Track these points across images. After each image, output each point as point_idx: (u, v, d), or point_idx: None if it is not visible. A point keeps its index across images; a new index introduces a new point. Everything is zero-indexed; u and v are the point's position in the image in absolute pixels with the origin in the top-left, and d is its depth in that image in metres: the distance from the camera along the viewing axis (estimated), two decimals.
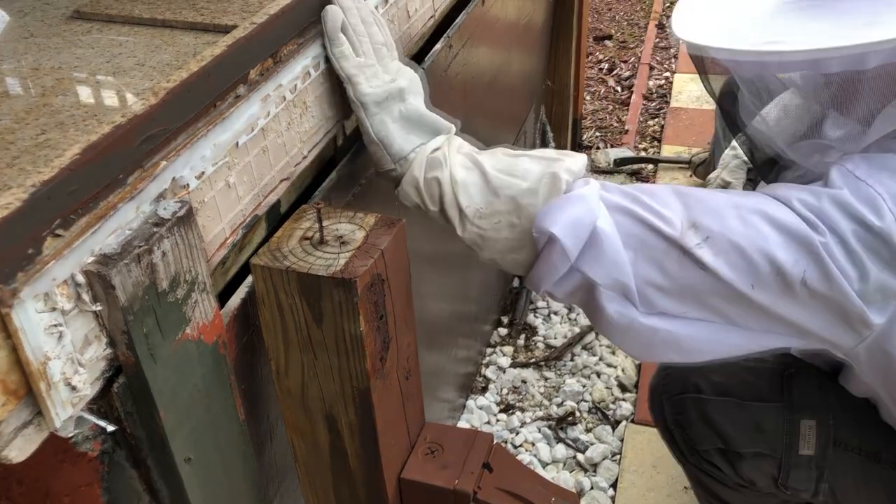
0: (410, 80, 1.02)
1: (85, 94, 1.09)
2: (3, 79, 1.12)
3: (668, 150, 3.24)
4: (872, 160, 0.94)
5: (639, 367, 2.26)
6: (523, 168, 0.95)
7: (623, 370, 2.25)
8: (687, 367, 1.33)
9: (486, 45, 1.70)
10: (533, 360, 2.30)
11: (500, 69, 1.88)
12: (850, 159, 0.95)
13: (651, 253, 0.91)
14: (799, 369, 1.30)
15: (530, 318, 2.44)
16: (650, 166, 3.15)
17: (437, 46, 1.40)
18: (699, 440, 1.31)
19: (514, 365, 2.28)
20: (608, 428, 2.08)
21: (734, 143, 2.60)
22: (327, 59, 1.01)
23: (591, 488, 1.93)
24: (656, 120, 3.51)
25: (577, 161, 0.95)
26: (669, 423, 1.35)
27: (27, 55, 1.20)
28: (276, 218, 1.00)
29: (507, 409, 2.16)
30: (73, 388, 0.65)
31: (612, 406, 2.15)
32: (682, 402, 1.32)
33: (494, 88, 1.82)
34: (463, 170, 0.96)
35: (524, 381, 2.23)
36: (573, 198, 0.90)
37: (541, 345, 2.36)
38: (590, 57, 3.99)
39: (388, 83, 0.99)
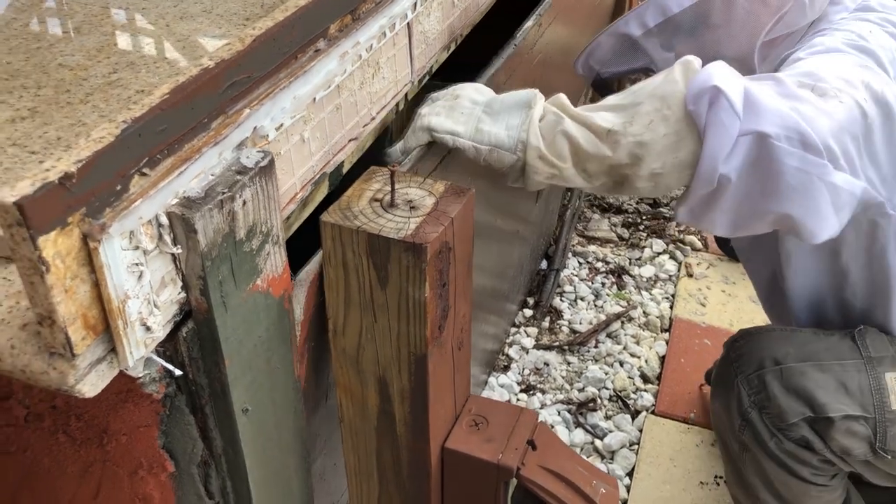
0: (467, 87, 1.05)
1: (154, 37, 1.08)
2: (73, 15, 1.11)
3: None
4: None
5: (662, 359, 2.25)
6: (640, 84, 0.97)
7: (646, 361, 2.24)
8: (755, 345, 1.31)
9: (566, 24, 1.68)
10: (556, 343, 2.29)
11: (571, 48, 1.85)
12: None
13: (798, 98, 0.92)
14: (866, 327, 1.27)
15: (556, 301, 2.43)
16: None
17: (529, 23, 1.38)
18: (786, 414, 1.24)
19: (537, 346, 2.28)
20: (628, 417, 2.08)
21: None
22: (401, 21, 1.00)
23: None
24: None
25: (689, 55, 0.96)
26: (747, 405, 1.29)
27: None
28: (339, 177, 0.99)
29: (528, 389, 2.16)
30: (148, 329, 0.65)
31: (633, 395, 2.14)
32: (760, 379, 1.27)
33: (563, 67, 1.80)
34: (583, 110, 0.97)
35: (546, 364, 2.23)
36: (714, 65, 0.91)
37: (565, 329, 2.35)
38: None
39: (453, 103, 1.02)
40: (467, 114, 1.01)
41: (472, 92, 1.04)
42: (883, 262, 1.22)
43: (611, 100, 0.99)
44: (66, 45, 1.01)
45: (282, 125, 0.79)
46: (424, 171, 1.03)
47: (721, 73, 0.90)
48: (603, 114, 0.96)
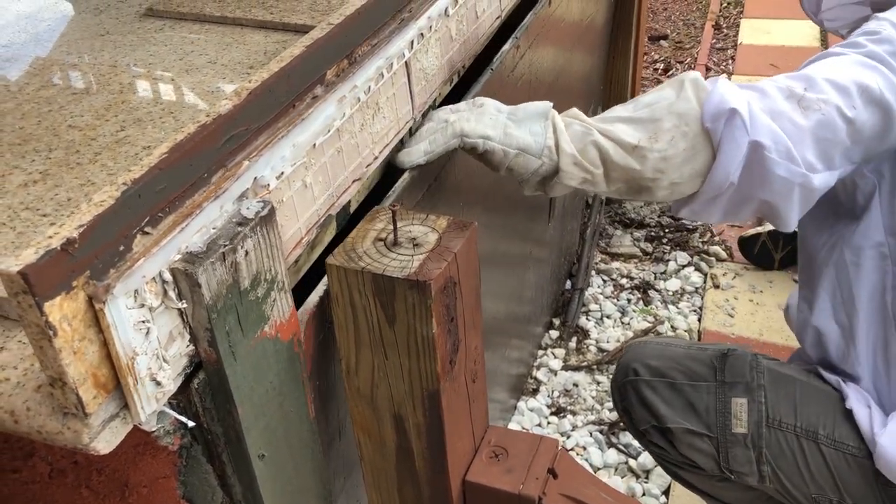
0: (487, 99, 1.11)
1: (160, 91, 1.11)
2: (83, 75, 1.14)
3: None
4: None
5: None
6: (653, 96, 1.05)
7: None
8: (630, 355, 1.42)
9: (550, 45, 1.69)
10: (585, 363, 2.28)
11: (562, 70, 1.86)
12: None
13: (782, 114, 1.01)
14: (733, 350, 1.34)
15: (582, 320, 2.43)
16: None
17: (506, 47, 1.40)
18: (639, 421, 1.38)
19: (565, 368, 2.27)
20: None
21: None
22: (398, 60, 1.01)
23: (643, 495, 1.91)
24: None
25: (693, 72, 1.05)
26: (619, 410, 1.44)
27: (104, 52, 1.22)
28: (346, 217, 1.00)
29: (559, 412, 2.15)
30: (158, 384, 0.66)
31: None
32: (624, 387, 1.40)
33: (556, 89, 1.81)
34: (605, 123, 1.05)
35: (576, 385, 2.22)
36: (721, 84, 1.01)
37: (593, 348, 2.34)
38: (645, 57, 3.94)
39: (479, 111, 1.08)
40: (494, 119, 1.07)
41: (494, 101, 1.11)
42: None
43: (621, 112, 1.06)
44: (76, 106, 1.04)
45: (282, 173, 0.80)
46: (409, 202, 1.05)
47: (733, 94, 1.00)
48: (622, 127, 1.04)
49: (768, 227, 2.50)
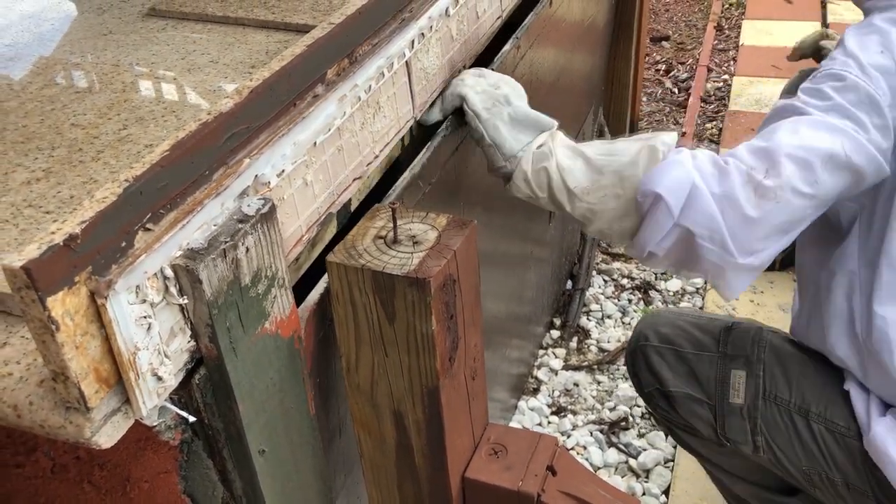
0: (513, 86, 1.17)
1: (162, 90, 1.11)
2: (86, 75, 1.15)
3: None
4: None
5: None
6: (621, 147, 1.07)
7: None
8: (644, 323, 1.47)
9: (551, 46, 1.70)
10: (585, 363, 2.29)
11: (563, 70, 1.87)
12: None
13: (735, 203, 1.01)
14: (739, 323, 1.39)
15: (583, 321, 2.43)
16: None
17: (507, 47, 1.40)
18: (645, 384, 1.44)
19: (566, 367, 2.27)
20: (661, 434, 2.06)
21: None
22: (399, 60, 1.02)
23: (643, 494, 1.91)
24: (714, 123, 3.46)
25: (670, 135, 1.07)
26: (630, 373, 1.49)
27: (106, 51, 1.23)
28: (347, 215, 1.01)
29: (559, 411, 2.15)
30: (159, 379, 0.67)
31: None
32: (634, 352, 1.45)
33: (557, 89, 1.81)
34: (567, 158, 1.09)
35: (576, 384, 2.22)
36: (671, 163, 1.02)
37: (594, 348, 2.34)
38: (647, 58, 3.95)
39: (492, 90, 1.15)
40: (496, 106, 1.14)
41: (511, 91, 1.17)
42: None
43: (596, 149, 1.10)
44: (79, 105, 1.05)
45: (283, 171, 0.81)
46: (410, 201, 1.06)
47: (679, 174, 1.01)
48: (580, 165, 1.08)
49: None
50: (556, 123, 1.15)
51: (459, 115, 1.19)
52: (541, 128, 1.14)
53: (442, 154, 1.17)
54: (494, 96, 1.14)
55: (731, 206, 1.01)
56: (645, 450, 2.01)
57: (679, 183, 1.00)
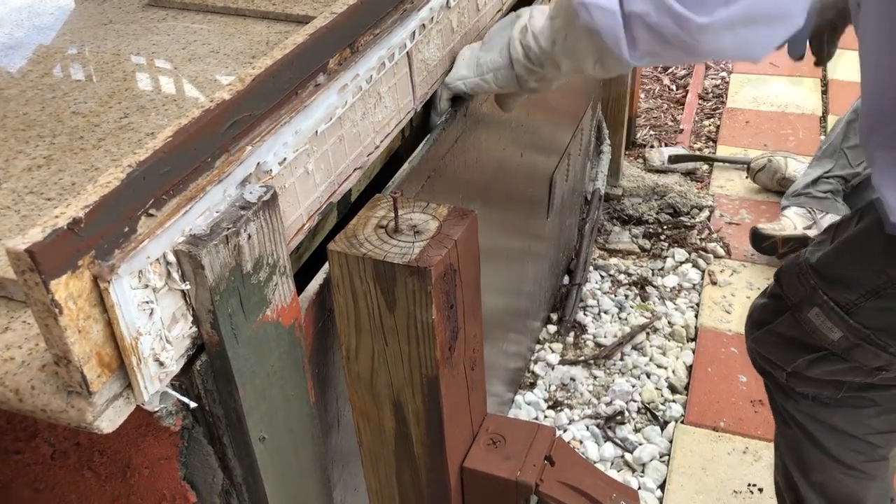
0: (488, 35, 1.17)
1: (163, 80, 1.11)
2: (87, 64, 1.15)
3: (723, 151, 3.20)
4: None
5: (689, 369, 2.23)
6: None
7: (673, 371, 2.23)
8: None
9: None
10: (582, 357, 2.29)
11: None
12: None
13: None
14: (780, 269, 1.37)
15: (580, 315, 2.44)
16: (705, 166, 3.11)
17: None
18: (777, 379, 1.40)
19: (562, 362, 2.28)
20: (657, 429, 2.07)
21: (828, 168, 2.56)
22: (400, 50, 1.02)
23: (639, 489, 1.92)
24: (711, 120, 3.46)
25: None
26: (767, 386, 1.47)
27: (107, 41, 1.23)
28: (347, 205, 1.01)
29: (556, 405, 2.16)
30: (161, 364, 0.67)
31: (661, 407, 2.13)
32: (751, 354, 1.45)
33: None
34: (534, 26, 1.08)
35: (573, 379, 2.23)
36: None
37: (590, 343, 2.35)
38: None
39: (476, 51, 1.17)
40: (468, 57, 1.16)
41: (475, 42, 1.19)
42: None
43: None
44: (80, 93, 1.05)
45: (285, 159, 0.81)
46: (408, 194, 1.06)
47: None
48: (542, 25, 1.07)
49: (783, 232, 2.50)
50: (523, 8, 1.13)
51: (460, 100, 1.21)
52: (509, 24, 1.12)
53: (441, 147, 1.17)
54: (461, 57, 1.16)
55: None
56: (641, 444, 2.02)
57: None
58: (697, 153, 3.18)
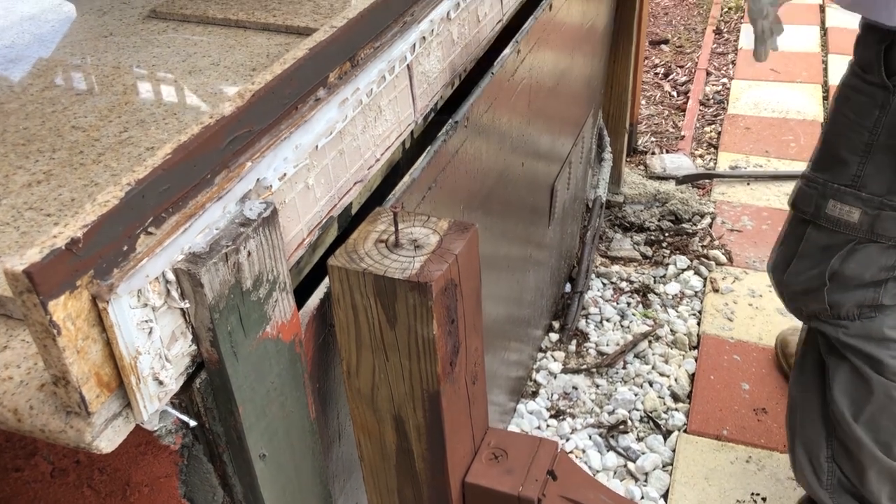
0: None
1: (163, 92, 1.11)
2: (86, 77, 1.15)
3: (724, 158, 3.19)
4: None
5: (692, 377, 2.23)
6: None
7: (676, 379, 2.22)
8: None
9: (551, 49, 1.70)
10: (584, 366, 2.29)
11: (563, 73, 1.87)
12: None
13: None
14: (795, 193, 1.54)
15: (582, 324, 2.43)
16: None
17: (507, 51, 1.40)
18: (836, 325, 1.53)
19: (565, 371, 2.27)
20: (660, 437, 2.06)
21: None
22: (400, 63, 1.02)
23: (642, 498, 1.91)
24: (713, 126, 3.46)
25: None
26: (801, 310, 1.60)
27: (107, 53, 1.23)
28: (348, 219, 1.01)
29: (558, 414, 2.15)
30: (160, 383, 0.67)
31: (664, 416, 2.12)
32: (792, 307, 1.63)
33: (557, 93, 1.81)
34: None
35: (575, 388, 2.22)
36: None
37: (592, 351, 2.34)
38: (646, 61, 3.95)
39: None
40: None
41: None
42: None
43: None
44: (80, 107, 1.04)
45: (285, 174, 0.81)
46: (409, 205, 1.06)
47: None
48: None
49: None
50: None
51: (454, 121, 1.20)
52: None
53: (442, 158, 1.17)
54: None
55: None
56: (644, 453, 2.01)
57: None
58: (703, 170, 3.14)
